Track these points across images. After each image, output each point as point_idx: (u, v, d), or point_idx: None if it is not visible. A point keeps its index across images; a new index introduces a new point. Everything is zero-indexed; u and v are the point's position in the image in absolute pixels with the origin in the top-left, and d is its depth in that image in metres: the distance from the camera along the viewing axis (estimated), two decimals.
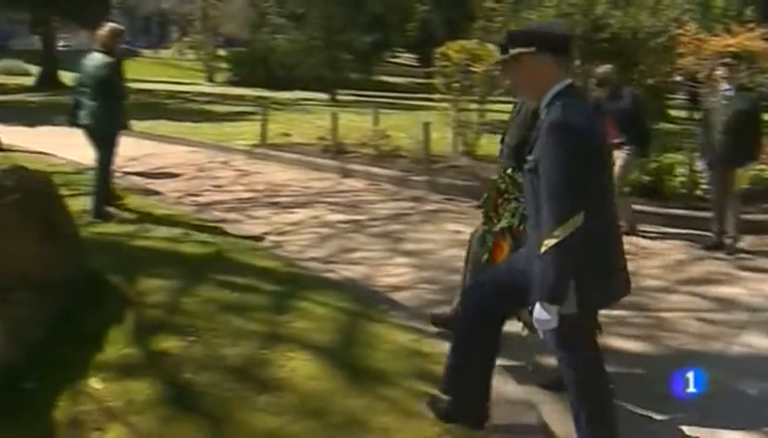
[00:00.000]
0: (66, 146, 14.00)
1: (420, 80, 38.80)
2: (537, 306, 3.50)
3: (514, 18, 15.23)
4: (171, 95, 29.56)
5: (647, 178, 10.14)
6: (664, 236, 8.97)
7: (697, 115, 15.75)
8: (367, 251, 8.23)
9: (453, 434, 4.00)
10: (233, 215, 9.51)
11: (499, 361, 4.31)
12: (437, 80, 14.16)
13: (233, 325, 5.25)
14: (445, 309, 5.74)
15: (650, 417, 4.61)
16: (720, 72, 8.80)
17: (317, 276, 6.77)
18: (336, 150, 13.97)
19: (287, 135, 16.36)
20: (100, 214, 8.52)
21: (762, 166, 9.87)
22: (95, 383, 4.31)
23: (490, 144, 13.56)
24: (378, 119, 15.90)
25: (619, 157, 8.92)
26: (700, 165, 9.20)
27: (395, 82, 41.85)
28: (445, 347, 4.39)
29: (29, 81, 34.44)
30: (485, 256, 4.38)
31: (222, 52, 46.50)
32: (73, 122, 8.92)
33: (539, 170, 3.55)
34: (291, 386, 4.38)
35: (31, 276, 4.78)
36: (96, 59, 8.60)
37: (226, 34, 53.56)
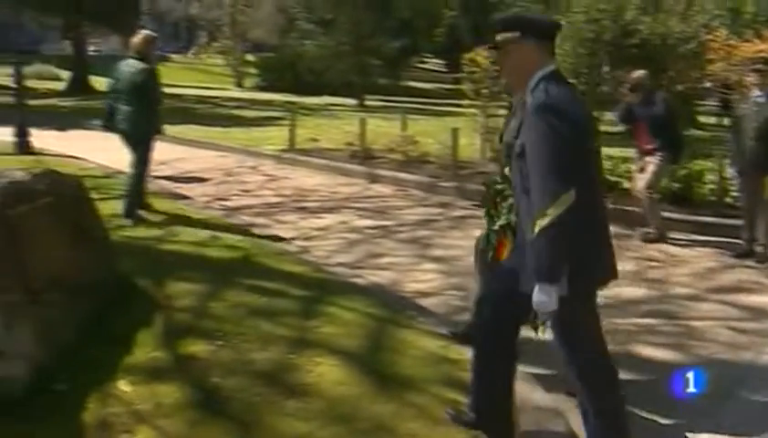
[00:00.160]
0: (96, 150, 14.13)
1: (447, 86, 38.80)
2: (536, 288, 3.47)
3: None
4: (201, 100, 29.73)
5: (676, 185, 10.06)
6: (694, 244, 8.89)
7: (727, 121, 15.64)
8: (394, 257, 8.22)
9: None
10: (261, 220, 9.53)
11: (527, 369, 4.29)
12: (465, 86, 14.13)
13: (262, 329, 5.26)
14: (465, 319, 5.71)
15: (678, 426, 4.57)
16: (750, 78, 8.73)
17: (345, 281, 6.78)
18: (364, 155, 13.98)
19: (315, 140, 16.39)
20: (131, 216, 8.66)
21: None
22: (124, 386, 4.34)
23: None
24: (405, 125, 15.90)
25: (652, 163, 8.88)
26: (730, 172, 9.13)
27: (422, 88, 41.85)
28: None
29: (60, 86, 34.75)
30: (490, 255, 4.36)
31: (250, 57, 46.70)
32: (108, 127, 9.12)
33: (526, 153, 3.57)
34: (319, 391, 4.39)
35: (62, 279, 4.81)
36: (131, 65, 8.80)
37: (255, 39, 53.83)
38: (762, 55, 14.23)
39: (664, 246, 8.68)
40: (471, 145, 13.79)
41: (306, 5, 35.39)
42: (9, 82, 19.45)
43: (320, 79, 32.75)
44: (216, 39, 52.25)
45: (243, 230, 8.67)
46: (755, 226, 8.39)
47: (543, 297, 3.46)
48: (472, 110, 14.18)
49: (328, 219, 9.90)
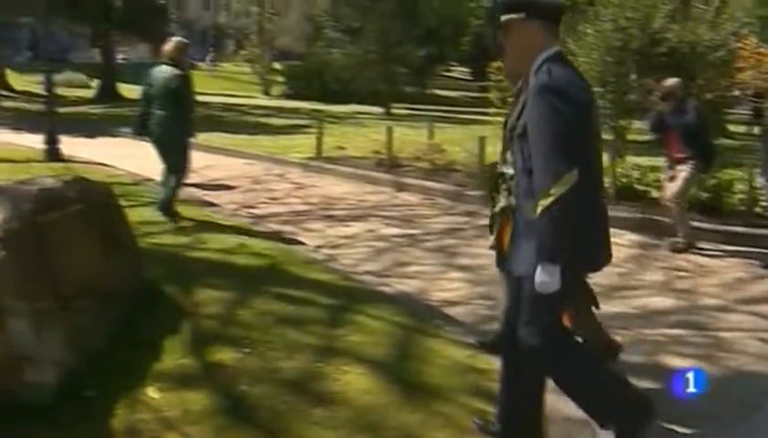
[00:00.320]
0: (124, 157, 14.27)
1: (473, 94, 38.73)
2: (539, 268, 3.48)
3: (570, 32, 15.13)
4: (228, 108, 29.87)
5: (705, 194, 9.98)
6: (723, 254, 8.81)
7: (757, 130, 15.51)
8: (421, 265, 8.21)
9: None
10: (288, 228, 9.54)
11: None
12: (492, 94, 14.12)
13: (289, 337, 5.27)
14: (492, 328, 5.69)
15: None
16: None
17: (372, 289, 6.77)
18: (390, 163, 13.99)
19: (342, 148, 16.41)
20: (168, 213, 9.05)
21: None
22: (152, 392, 4.36)
23: None
24: (432, 133, 15.89)
25: (682, 171, 8.80)
26: (760, 182, 9.06)
27: (449, 96, 41.85)
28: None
29: (89, 93, 35.05)
30: (493, 240, 4.37)
31: (277, 65, 46.89)
32: (140, 132, 9.32)
33: (528, 133, 3.59)
34: (346, 400, 4.39)
35: (92, 286, 4.84)
36: (165, 72, 8.99)
37: (282, 47, 54.12)
38: None
39: (692, 256, 8.61)
40: (497, 153, 13.70)
41: (333, 14, 35.48)
42: (40, 90, 19.68)
43: (347, 88, 32.80)
44: (244, 47, 52.50)
45: (269, 236, 8.69)
46: None
47: (545, 277, 3.47)
48: (499, 118, 14.15)
49: (355, 227, 9.90)
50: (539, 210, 3.46)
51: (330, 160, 15.13)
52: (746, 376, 5.41)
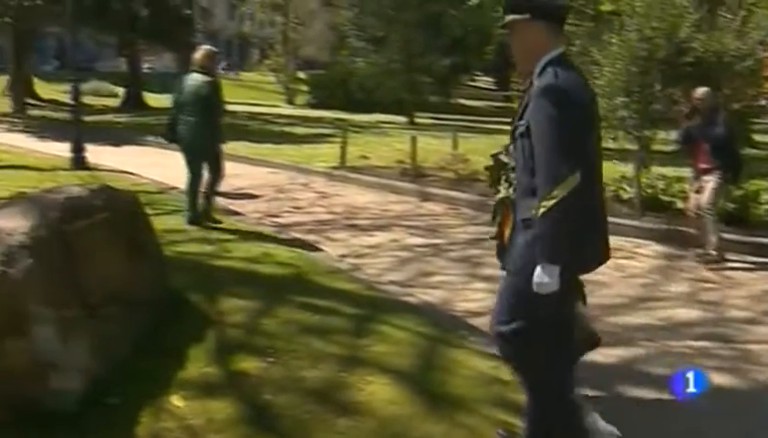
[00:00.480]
0: (149, 165, 14.36)
1: (497, 104, 38.66)
2: (538, 269, 3.50)
3: (595, 42, 15.08)
4: (252, 116, 29.95)
5: (732, 205, 9.91)
6: (750, 266, 8.74)
7: None
8: (445, 275, 8.20)
9: None
10: (312, 237, 9.55)
11: (582, 392, 4.24)
12: (516, 103, 14.05)
13: (313, 347, 5.27)
14: None
15: None
16: None
17: (396, 299, 6.77)
18: (414, 173, 13.98)
19: (366, 158, 16.42)
20: (209, 218, 9.41)
21: None
22: (176, 401, 4.37)
23: None
24: (456, 143, 15.88)
25: (710, 181, 8.72)
26: None
27: (473, 105, 41.79)
28: None
29: (115, 102, 35.29)
30: (494, 231, 4.34)
31: (301, 75, 47.00)
32: (170, 138, 9.48)
33: (531, 134, 3.61)
34: (370, 410, 4.38)
35: (118, 294, 4.86)
36: (196, 79, 9.17)
37: (306, 57, 54.31)
38: None
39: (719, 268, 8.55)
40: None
41: (357, 23, 35.48)
42: (66, 98, 19.85)
43: (371, 97, 32.79)
44: (268, 56, 52.71)
45: (293, 245, 8.71)
46: None
47: (545, 277, 3.49)
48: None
49: (380, 237, 9.90)
50: (541, 211, 3.48)
51: (354, 169, 15.14)
52: None
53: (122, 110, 31.71)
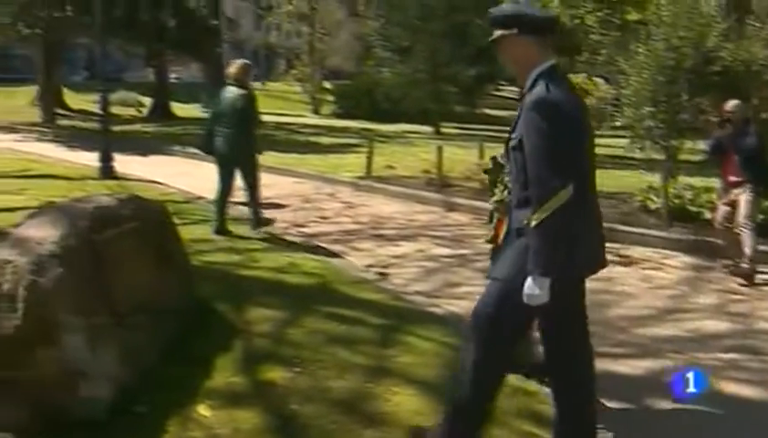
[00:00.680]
0: (176, 175, 14.45)
1: None
2: (529, 280, 3.52)
3: (621, 52, 15.02)
4: (279, 126, 30.06)
5: (761, 216, 9.82)
6: None
7: None
8: (471, 286, 8.15)
9: None
10: (338, 247, 9.56)
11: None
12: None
13: (339, 357, 5.27)
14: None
15: None
16: None
17: (422, 310, 6.77)
18: (440, 183, 13.97)
19: (392, 168, 16.44)
20: (261, 223, 9.82)
21: None
22: (203, 410, 4.38)
23: (596, 179, 13.37)
24: (482, 153, 15.84)
25: (742, 194, 8.61)
26: None
27: (498, 115, 41.67)
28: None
29: (143, 112, 35.55)
30: (490, 234, 4.34)
31: (327, 85, 47.15)
32: (207, 150, 9.70)
33: (523, 147, 3.63)
34: (396, 421, 4.37)
35: (146, 303, 4.89)
36: (232, 92, 9.41)
37: (332, 67, 54.46)
38: None
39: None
40: None
41: (383, 33, 35.56)
42: (95, 108, 20.01)
43: (397, 107, 32.82)
44: (294, 67, 52.91)
45: (319, 254, 8.74)
46: None
47: (535, 289, 3.51)
48: None
49: (405, 247, 9.90)
50: (533, 223, 3.51)
51: (380, 179, 15.15)
52: None
53: (150, 120, 31.95)
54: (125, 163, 15.49)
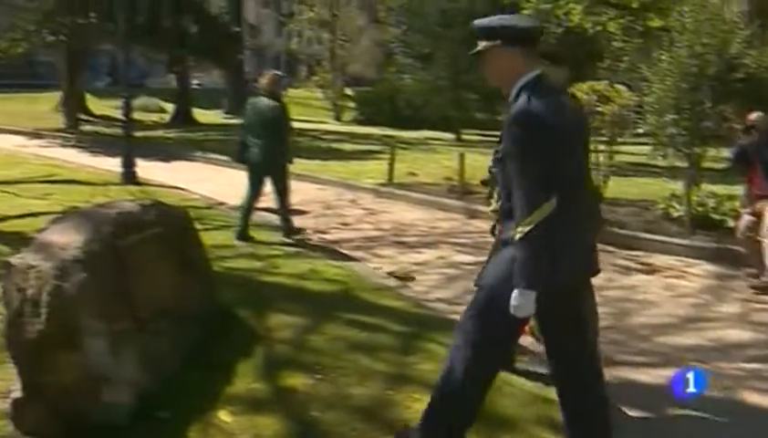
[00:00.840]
0: (198, 181, 14.52)
1: None
2: (515, 292, 3.52)
3: (644, 59, 14.94)
4: (300, 133, 30.05)
5: None
6: None
7: None
8: None
9: None
10: (359, 254, 9.56)
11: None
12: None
13: (360, 364, 5.28)
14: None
15: None
16: None
17: (444, 317, 6.74)
18: (462, 190, 13.93)
19: (414, 175, 16.42)
20: (291, 232, 9.97)
21: None
22: (224, 416, 4.40)
23: (618, 187, 13.33)
24: None
25: (767, 206, 8.49)
26: None
27: None
28: None
29: (165, 118, 35.71)
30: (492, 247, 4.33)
31: (349, 91, 47.21)
32: (240, 158, 9.92)
33: (506, 159, 3.62)
34: None
35: (168, 308, 4.92)
36: (263, 103, 9.66)
37: (353, 73, 54.52)
38: None
39: None
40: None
41: (404, 40, 35.59)
42: (118, 114, 20.14)
43: (418, 113, 32.83)
44: (316, 73, 53.04)
45: (340, 261, 8.75)
46: None
47: (521, 301, 3.52)
48: None
49: (427, 254, 9.88)
50: (517, 237, 3.51)
51: (402, 186, 15.12)
52: None
53: (172, 126, 32.06)
54: (147, 169, 15.57)
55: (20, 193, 12.09)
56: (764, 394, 5.55)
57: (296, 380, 4.94)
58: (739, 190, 9.48)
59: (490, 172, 5.11)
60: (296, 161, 18.91)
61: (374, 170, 17.07)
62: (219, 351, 5.39)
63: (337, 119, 43.40)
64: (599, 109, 12.89)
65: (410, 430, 4.15)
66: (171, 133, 28.13)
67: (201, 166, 18.95)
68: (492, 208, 4.45)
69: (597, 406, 3.91)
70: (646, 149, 14.57)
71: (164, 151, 20.84)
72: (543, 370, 5.48)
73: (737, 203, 9.75)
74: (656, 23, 19.10)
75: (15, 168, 15.94)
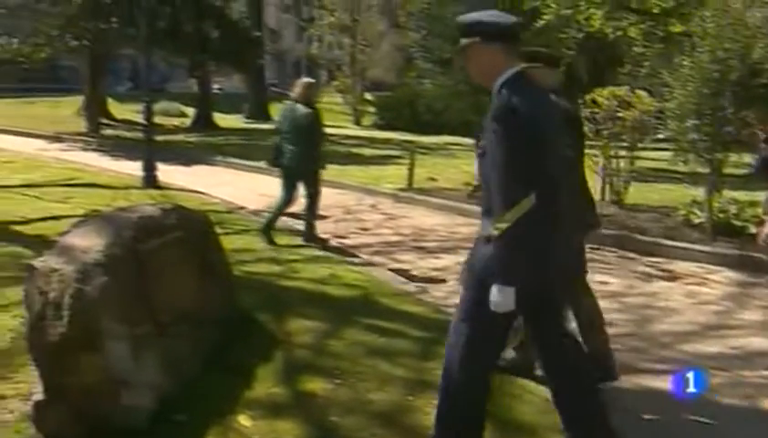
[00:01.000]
0: (219, 185, 14.55)
1: None
2: (494, 288, 3.54)
3: (665, 64, 14.88)
4: None
5: None
6: None
7: None
8: None
9: None
10: (379, 259, 9.56)
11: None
12: (584, 126, 13.89)
13: (380, 369, 5.28)
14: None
15: None
16: None
17: None
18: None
19: (434, 180, 16.40)
20: (312, 239, 10.05)
21: None
22: (244, 420, 4.40)
23: (639, 193, 13.28)
24: None
25: None
26: None
27: None
28: None
29: (186, 122, 35.87)
30: None
31: (368, 96, 47.25)
32: (275, 163, 10.15)
33: (488, 155, 3.64)
34: None
35: (189, 312, 4.93)
36: (298, 109, 9.85)
37: (373, 78, 54.58)
38: None
39: None
40: (590, 187, 13.53)
41: (424, 45, 35.66)
42: (139, 118, 20.24)
43: (438, 118, 32.86)
44: (336, 78, 53.14)
45: (360, 266, 8.75)
46: None
47: (500, 297, 3.53)
48: (592, 151, 13.98)
49: (446, 259, 9.85)
50: (495, 233, 3.53)
51: (421, 191, 15.10)
52: None
53: (192, 130, 32.19)
54: (168, 173, 15.63)
55: (42, 197, 12.16)
56: None
57: (316, 385, 4.94)
58: (761, 196, 9.41)
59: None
60: None
61: (394, 175, 17.07)
62: (239, 355, 5.40)
63: (357, 123, 43.43)
64: (620, 114, 12.85)
65: None
66: (192, 137, 28.24)
67: (221, 170, 19.01)
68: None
69: (595, 409, 3.89)
70: (667, 154, 14.50)
71: (185, 156, 20.93)
72: None
73: (759, 210, 9.68)
74: (677, 28, 19.01)
75: (36, 171, 16.03)
